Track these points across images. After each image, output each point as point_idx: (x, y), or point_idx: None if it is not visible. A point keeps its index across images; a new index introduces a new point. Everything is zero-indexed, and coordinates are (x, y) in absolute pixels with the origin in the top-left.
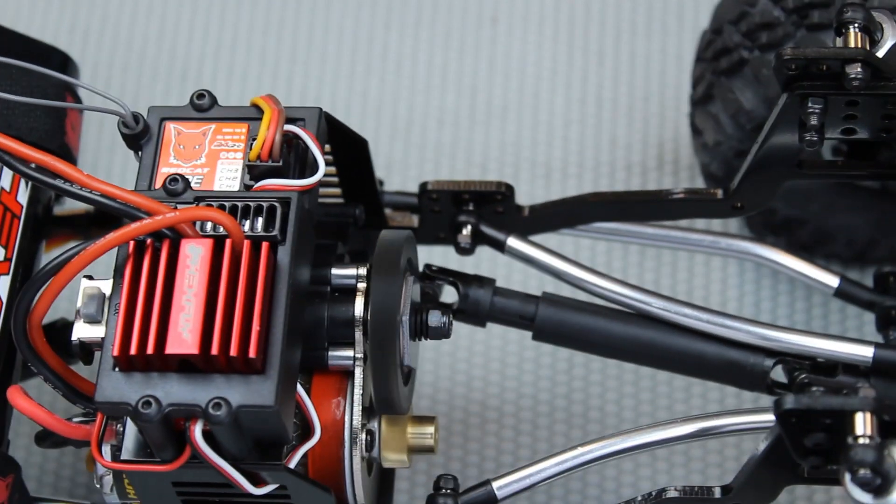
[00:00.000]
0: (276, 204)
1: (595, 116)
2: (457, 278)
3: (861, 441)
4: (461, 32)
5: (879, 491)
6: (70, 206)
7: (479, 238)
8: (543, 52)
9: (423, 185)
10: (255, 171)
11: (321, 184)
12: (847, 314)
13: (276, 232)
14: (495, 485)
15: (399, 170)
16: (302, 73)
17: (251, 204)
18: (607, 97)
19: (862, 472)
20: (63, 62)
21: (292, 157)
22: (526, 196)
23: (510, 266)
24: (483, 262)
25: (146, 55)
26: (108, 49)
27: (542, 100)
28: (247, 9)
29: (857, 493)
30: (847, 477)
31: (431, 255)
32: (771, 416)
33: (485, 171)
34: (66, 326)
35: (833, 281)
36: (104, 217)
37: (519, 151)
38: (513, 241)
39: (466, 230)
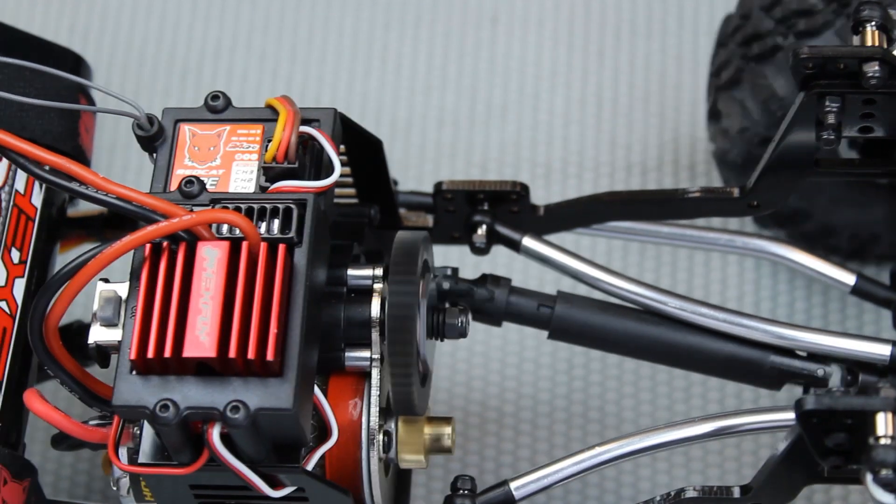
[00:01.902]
0: (293, 205)
1: (595, 117)
2: (472, 284)
3: (883, 441)
4: (461, 33)
5: None
6: (83, 208)
7: (494, 238)
8: (543, 52)
9: (438, 185)
10: (270, 173)
11: (336, 184)
12: (864, 309)
13: (292, 234)
14: (513, 485)
15: (399, 170)
16: (302, 73)
17: (267, 206)
18: (607, 97)
19: (884, 472)
20: (76, 63)
21: (307, 159)
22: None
23: (527, 265)
24: (499, 258)
25: (146, 55)
26: (108, 49)
27: (542, 100)
28: (247, 9)
29: (879, 494)
30: (869, 477)
31: (448, 254)
32: (788, 415)
33: (485, 171)
34: (82, 329)
35: (849, 279)
36: (117, 219)
37: (519, 151)
38: (528, 241)
39: (481, 230)
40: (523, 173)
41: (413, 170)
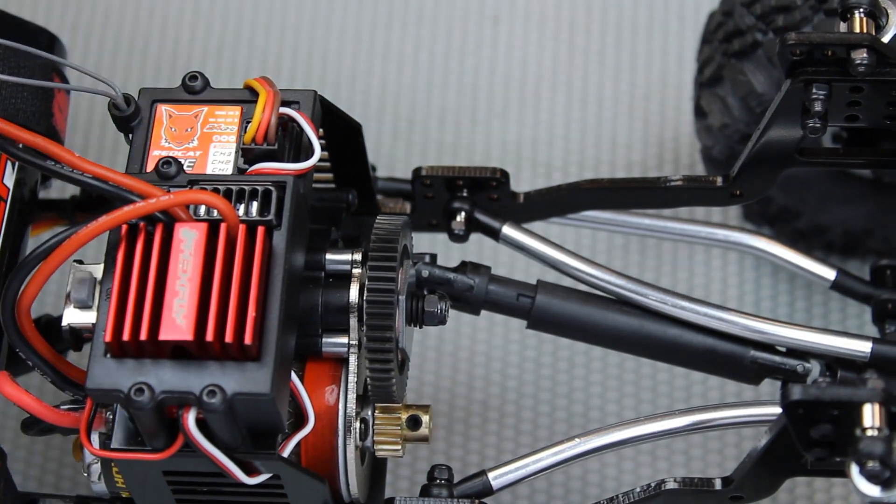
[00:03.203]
0: (272, 188)
1: (596, 115)
2: (451, 271)
3: (870, 433)
4: (462, 32)
5: (888, 483)
6: (55, 192)
7: (473, 225)
8: (544, 51)
9: (417, 171)
10: (249, 155)
11: (314, 168)
12: (847, 303)
13: (271, 216)
14: (491, 475)
15: (400, 169)
16: (303, 72)
17: (246, 188)
18: (608, 96)
19: (871, 464)
20: (50, 42)
21: (287, 141)
22: None
23: (514, 253)
24: (485, 249)
25: (148, 54)
26: (109, 49)
27: (543, 99)
28: (248, 8)
29: (865, 486)
30: (855, 469)
31: (435, 239)
32: (770, 410)
33: None
34: (51, 322)
35: (830, 274)
36: (89, 202)
37: (520, 151)
38: (508, 230)
39: (460, 217)
40: (524, 172)
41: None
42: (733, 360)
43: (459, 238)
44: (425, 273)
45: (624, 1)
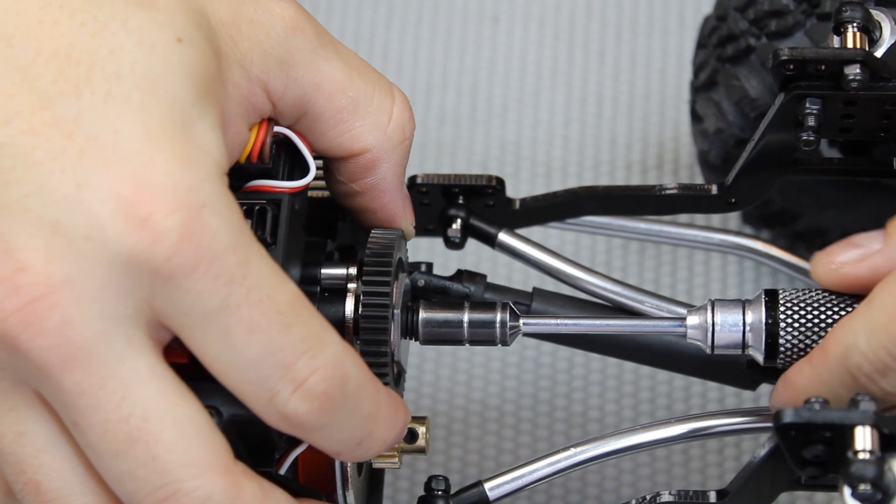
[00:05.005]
0: (266, 206)
1: (595, 115)
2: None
3: (861, 456)
4: (462, 32)
5: None
6: None
7: (469, 232)
8: (544, 50)
9: (413, 179)
10: (243, 174)
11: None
12: None
13: (266, 234)
14: (487, 486)
15: None
16: None
17: (241, 205)
18: (608, 96)
19: (862, 487)
20: None
21: (282, 158)
22: (526, 195)
23: (511, 262)
24: (483, 251)
25: None
26: None
27: (543, 99)
28: None
29: None
30: (847, 491)
31: (433, 247)
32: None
33: (485, 169)
34: None
35: None
36: None
37: (519, 150)
38: (504, 236)
39: (456, 224)
40: (524, 172)
41: (414, 169)
42: (728, 365)
43: (455, 245)
44: (421, 282)
45: (624, 1)
